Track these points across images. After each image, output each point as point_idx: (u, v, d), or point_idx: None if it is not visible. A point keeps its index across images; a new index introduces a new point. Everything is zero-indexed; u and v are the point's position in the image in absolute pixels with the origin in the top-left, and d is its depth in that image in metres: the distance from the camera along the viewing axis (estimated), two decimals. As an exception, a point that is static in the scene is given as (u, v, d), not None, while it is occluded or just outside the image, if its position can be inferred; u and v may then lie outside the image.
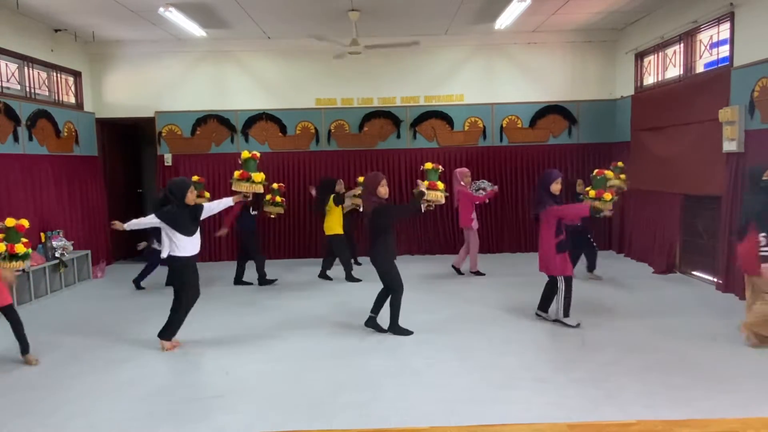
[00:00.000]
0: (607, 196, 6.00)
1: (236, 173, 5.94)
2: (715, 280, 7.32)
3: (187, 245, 5.31)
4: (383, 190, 5.57)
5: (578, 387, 4.34)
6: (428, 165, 6.05)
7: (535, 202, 5.95)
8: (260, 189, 5.96)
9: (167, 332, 5.45)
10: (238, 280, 8.16)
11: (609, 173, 6.37)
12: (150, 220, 5.26)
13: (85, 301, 7.55)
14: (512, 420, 3.84)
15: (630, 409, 3.94)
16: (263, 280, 8.06)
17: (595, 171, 6.38)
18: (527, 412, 3.94)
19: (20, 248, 5.08)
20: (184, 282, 5.39)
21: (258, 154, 6.12)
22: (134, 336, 5.89)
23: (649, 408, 3.96)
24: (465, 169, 8.41)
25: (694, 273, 7.92)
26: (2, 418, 4.08)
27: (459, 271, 8.41)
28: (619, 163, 8.00)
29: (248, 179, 5.85)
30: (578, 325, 5.73)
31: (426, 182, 5.85)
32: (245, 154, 6.02)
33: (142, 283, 8.07)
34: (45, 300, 7.53)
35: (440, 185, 5.89)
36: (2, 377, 4.88)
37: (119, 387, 4.59)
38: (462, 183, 8.22)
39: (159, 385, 4.61)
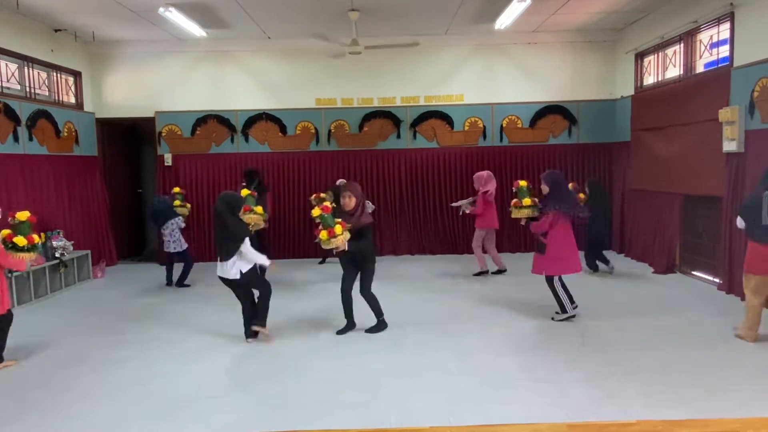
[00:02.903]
0: (527, 201, 6.23)
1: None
2: (716, 280, 7.33)
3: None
4: (343, 201, 5.68)
5: (578, 387, 4.34)
6: (315, 212, 5.52)
7: None
8: (260, 222, 6.66)
9: (261, 318, 5.62)
10: None
11: (522, 183, 6.47)
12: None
13: (85, 301, 7.54)
14: (512, 420, 3.84)
15: (630, 409, 3.95)
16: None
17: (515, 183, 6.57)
18: (527, 412, 3.94)
19: (20, 240, 5.13)
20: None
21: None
22: (134, 336, 5.90)
23: (649, 408, 3.96)
24: (481, 173, 8.36)
25: (694, 273, 7.93)
26: (2, 418, 4.08)
27: (501, 270, 8.40)
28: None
29: (251, 212, 6.57)
30: (573, 317, 6.02)
31: (324, 232, 5.41)
32: (245, 192, 6.67)
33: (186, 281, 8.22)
34: (45, 300, 7.53)
35: (338, 229, 5.38)
36: (2, 377, 4.88)
37: (119, 387, 4.59)
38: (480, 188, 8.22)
39: (159, 385, 4.61)
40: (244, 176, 8.93)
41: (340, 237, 5.38)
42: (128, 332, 6.04)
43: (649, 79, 9.11)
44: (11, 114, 7.70)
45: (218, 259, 5.50)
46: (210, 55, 10.05)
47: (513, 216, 6.38)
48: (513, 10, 8.05)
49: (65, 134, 8.96)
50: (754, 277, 5.20)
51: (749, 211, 5.22)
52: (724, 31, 7.19)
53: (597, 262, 8.15)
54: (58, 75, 9.15)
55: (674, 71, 8.41)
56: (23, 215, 5.24)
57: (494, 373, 4.67)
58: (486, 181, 8.15)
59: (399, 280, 8.22)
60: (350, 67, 9.89)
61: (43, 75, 8.77)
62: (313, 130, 10.18)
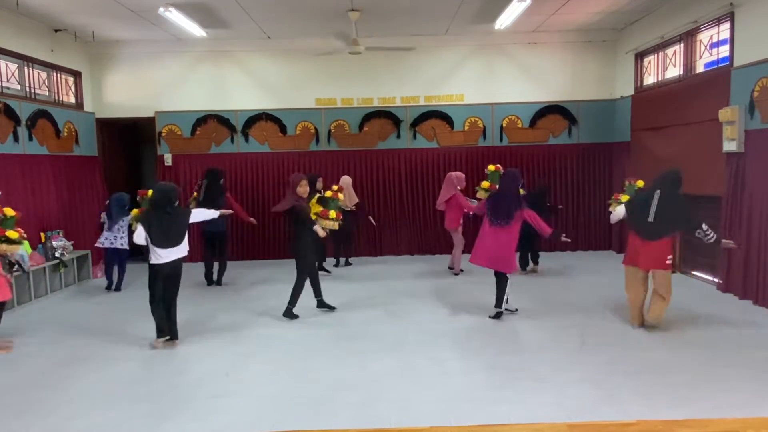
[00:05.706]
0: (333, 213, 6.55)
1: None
2: (715, 280, 7.32)
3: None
4: (302, 190, 6.21)
5: (578, 387, 4.34)
6: (328, 193, 6.92)
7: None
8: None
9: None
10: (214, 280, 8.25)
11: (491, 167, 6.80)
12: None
13: (85, 301, 7.54)
14: (512, 420, 3.84)
15: (630, 409, 3.95)
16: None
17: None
18: (527, 412, 3.94)
19: (12, 234, 5.33)
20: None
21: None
22: (134, 336, 5.89)
23: (649, 408, 3.96)
24: (462, 174, 8.47)
25: (694, 273, 7.93)
26: (2, 418, 4.08)
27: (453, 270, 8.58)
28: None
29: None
30: (516, 310, 6.33)
31: (320, 208, 6.55)
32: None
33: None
34: (45, 300, 7.53)
35: (332, 214, 6.53)
36: (2, 377, 4.88)
37: (119, 387, 4.59)
38: (459, 188, 8.28)
39: (159, 385, 4.61)
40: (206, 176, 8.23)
41: (330, 222, 6.40)
42: (128, 332, 6.03)
43: (649, 79, 9.11)
44: (11, 114, 7.70)
45: (165, 247, 5.40)
46: (210, 55, 10.05)
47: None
48: (513, 10, 8.05)
49: (65, 134, 8.96)
50: (626, 269, 5.64)
51: (634, 206, 5.62)
52: (724, 31, 7.19)
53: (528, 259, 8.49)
54: (58, 75, 9.14)
55: (674, 71, 8.41)
56: (9, 212, 5.50)
57: (494, 373, 4.67)
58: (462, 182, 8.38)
59: (399, 280, 8.23)
60: (350, 67, 9.89)
61: (43, 75, 8.76)
62: (313, 130, 10.18)
